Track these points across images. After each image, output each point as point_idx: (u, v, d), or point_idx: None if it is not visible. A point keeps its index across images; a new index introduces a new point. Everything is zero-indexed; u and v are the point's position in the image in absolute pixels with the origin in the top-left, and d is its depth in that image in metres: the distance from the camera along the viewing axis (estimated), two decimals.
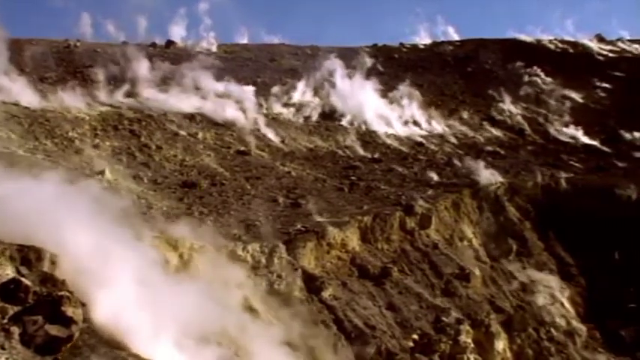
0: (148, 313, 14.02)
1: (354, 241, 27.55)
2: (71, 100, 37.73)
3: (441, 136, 48.16)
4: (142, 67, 46.41)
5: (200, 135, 38.60)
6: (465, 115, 53.49)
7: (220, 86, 46.12)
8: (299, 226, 26.68)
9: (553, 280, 31.54)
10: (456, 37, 75.80)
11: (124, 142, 34.76)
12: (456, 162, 40.34)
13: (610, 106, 56.12)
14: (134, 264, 14.92)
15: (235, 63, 55.31)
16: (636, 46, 74.53)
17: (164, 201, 27.19)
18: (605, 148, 46.96)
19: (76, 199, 15.93)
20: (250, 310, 20.95)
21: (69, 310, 11.80)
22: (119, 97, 40.95)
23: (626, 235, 33.10)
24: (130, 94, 41.61)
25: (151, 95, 42.35)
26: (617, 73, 64.17)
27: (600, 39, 76.42)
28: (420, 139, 46.55)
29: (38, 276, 12.77)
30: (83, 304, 12.66)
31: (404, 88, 54.12)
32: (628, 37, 77.00)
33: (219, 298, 18.61)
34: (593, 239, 33.46)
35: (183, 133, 38.17)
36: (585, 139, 48.85)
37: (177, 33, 63.48)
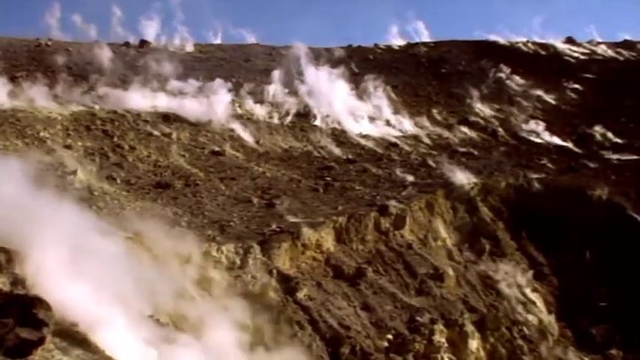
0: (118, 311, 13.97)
1: (328, 242, 27.57)
2: (42, 99, 37.30)
3: (415, 137, 48.35)
4: (115, 67, 46.06)
5: (174, 135, 38.36)
6: (439, 116, 53.78)
7: (194, 86, 45.87)
8: (274, 227, 26.64)
9: (525, 280, 31.81)
10: (426, 33, 76.38)
11: (97, 143, 34.46)
12: (430, 162, 40.54)
13: (581, 108, 56.81)
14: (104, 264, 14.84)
15: (210, 63, 55.13)
16: (606, 48, 75.63)
17: (138, 202, 26.98)
18: (576, 149, 47.52)
19: (49, 199, 15.76)
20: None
21: (40, 313, 11.64)
22: (91, 96, 40.54)
23: (597, 235, 33.50)
24: (102, 94, 41.20)
25: (124, 95, 41.97)
26: (588, 75, 65.06)
27: (571, 41, 77.43)
28: (394, 140, 46.68)
29: (9, 278, 12.59)
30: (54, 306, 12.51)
31: (378, 89, 54.30)
32: (598, 39, 78.12)
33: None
34: (565, 239, 33.84)
35: (156, 133, 37.92)
36: (557, 140, 49.36)
37: (150, 27, 62.90)
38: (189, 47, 62.30)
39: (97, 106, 39.31)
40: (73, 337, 12.72)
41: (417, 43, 74.94)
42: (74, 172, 27.75)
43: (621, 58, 72.49)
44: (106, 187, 28.27)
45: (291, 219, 28.01)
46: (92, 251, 14.92)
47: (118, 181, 29.89)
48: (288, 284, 24.06)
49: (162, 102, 42.82)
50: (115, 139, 35.38)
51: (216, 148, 38.15)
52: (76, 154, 31.71)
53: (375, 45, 73.06)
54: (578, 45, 76.26)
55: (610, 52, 74.33)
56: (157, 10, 65.87)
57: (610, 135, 50.21)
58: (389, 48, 73.13)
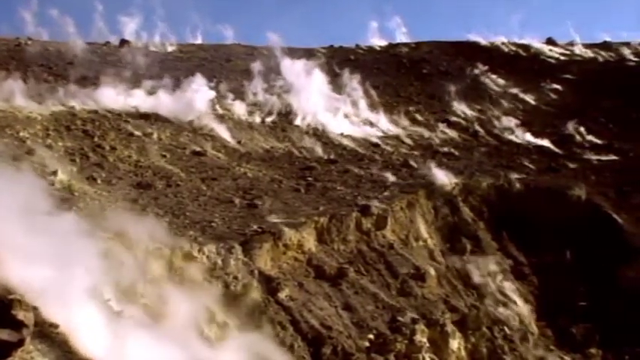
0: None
1: (310, 242, 27.55)
2: (22, 99, 36.95)
3: (397, 137, 48.51)
4: (96, 67, 45.78)
5: (155, 135, 38.17)
6: (420, 116, 54.01)
7: (175, 86, 45.67)
8: (255, 227, 26.57)
9: (506, 280, 32.03)
10: (404, 30, 76.78)
11: (77, 143, 34.17)
12: (412, 163, 40.70)
13: (561, 108, 57.29)
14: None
15: (191, 63, 54.94)
16: (585, 49, 76.36)
17: (118, 202, 26.79)
18: (556, 150, 47.90)
19: (29, 200, 15.63)
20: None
21: (19, 314, 11.54)
22: (72, 96, 40.22)
23: (577, 235, 33.81)
24: (83, 94, 40.88)
25: (105, 95, 41.70)
26: (568, 76, 65.65)
27: (551, 42, 78.13)
28: (375, 140, 46.80)
29: None
30: (35, 308, 12.42)
31: (360, 89, 54.42)
32: (577, 40, 78.90)
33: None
34: (546, 239, 34.11)
35: (137, 133, 37.70)
36: (537, 141, 49.73)
37: (130, 24, 62.53)
38: (170, 47, 62.13)
39: (77, 106, 39.02)
40: (52, 338, 12.61)
41: (398, 44, 75.28)
42: (54, 173, 27.49)
43: (600, 59, 73.21)
44: (87, 187, 28.02)
45: (273, 219, 27.94)
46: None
47: (99, 181, 29.65)
48: (269, 285, 24.01)
49: (143, 102, 42.60)
50: (96, 139, 35.12)
51: (198, 149, 38.01)
52: (57, 154, 31.40)
53: (357, 46, 73.30)
54: (558, 46, 76.97)
55: (589, 53, 75.04)
56: (137, 8, 65.50)
57: (590, 136, 50.71)
58: (370, 49, 73.39)
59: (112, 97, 41.78)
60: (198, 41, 69.55)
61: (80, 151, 33.11)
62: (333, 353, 22.34)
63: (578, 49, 75.99)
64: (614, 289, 31.71)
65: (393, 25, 77.90)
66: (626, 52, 74.96)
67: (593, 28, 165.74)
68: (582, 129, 51.44)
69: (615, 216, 34.95)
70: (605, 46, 77.56)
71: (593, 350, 29.45)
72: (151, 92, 43.99)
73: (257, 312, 22.45)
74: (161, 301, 19.51)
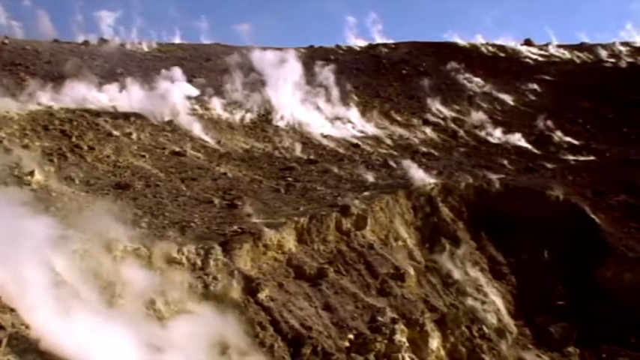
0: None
1: (290, 242, 27.53)
2: None
3: (377, 138, 48.64)
4: (74, 66, 45.43)
5: (134, 135, 37.97)
6: (400, 116, 54.21)
7: (155, 86, 45.46)
8: (235, 228, 26.50)
9: (485, 279, 32.21)
10: (379, 27, 77.45)
11: (55, 143, 33.91)
12: (391, 163, 40.82)
13: (539, 109, 57.76)
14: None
15: (170, 62, 54.68)
16: (563, 50, 77.15)
17: (97, 203, 26.58)
18: (534, 150, 48.30)
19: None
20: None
21: None
22: (50, 96, 39.91)
23: (555, 235, 34.08)
24: (60, 94, 40.57)
25: (83, 95, 41.43)
26: (546, 77, 66.25)
27: (529, 43, 78.89)
28: (355, 141, 46.89)
29: None
30: (12, 310, 12.33)
31: (340, 89, 54.51)
32: (555, 42, 79.77)
33: None
34: (524, 239, 34.32)
35: (116, 133, 37.49)
36: (516, 141, 50.10)
37: (108, 22, 62.13)
38: (149, 46, 61.82)
39: (55, 106, 38.75)
40: (29, 341, 12.51)
41: (377, 45, 75.62)
42: (31, 173, 27.26)
43: (578, 61, 73.99)
44: (65, 187, 27.80)
45: (253, 220, 27.91)
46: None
47: (77, 181, 29.44)
48: (249, 285, 23.94)
49: (122, 102, 42.39)
50: (74, 139, 34.86)
51: (177, 149, 37.85)
52: (34, 154, 31.12)
53: (337, 46, 73.50)
54: (537, 47, 77.74)
55: (567, 55, 75.84)
56: (116, 2, 65.30)
57: (567, 136, 51.19)
58: (350, 49, 73.63)
59: (90, 96, 41.53)
60: (177, 40, 69.43)
61: (58, 151, 32.85)
62: (313, 353, 22.32)
63: (556, 51, 76.82)
64: (591, 288, 32.00)
65: (369, 21, 78.36)
66: (603, 53, 75.85)
67: (568, 25, 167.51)
68: (553, 127, 52.03)
69: (592, 216, 35.24)
70: (583, 47, 78.47)
71: (570, 349, 29.68)
72: (130, 92, 43.74)
73: (237, 312, 22.35)
74: (139, 302, 19.41)
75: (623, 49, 78.01)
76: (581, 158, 45.94)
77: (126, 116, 40.26)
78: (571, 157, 46.27)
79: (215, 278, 23.13)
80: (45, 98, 39.40)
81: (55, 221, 19.58)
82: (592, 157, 46.14)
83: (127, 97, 43.07)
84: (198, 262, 23.46)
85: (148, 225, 25.38)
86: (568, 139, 50.83)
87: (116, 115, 40.07)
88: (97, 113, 39.35)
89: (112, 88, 43.73)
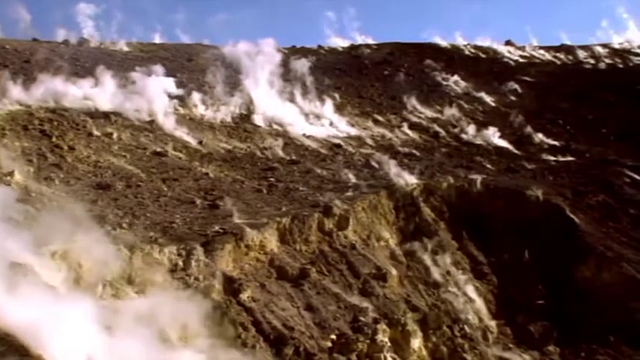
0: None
1: (272, 243, 27.50)
2: None
3: (359, 138, 48.72)
4: (54, 66, 45.05)
5: (115, 135, 37.73)
6: (382, 117, 54.36)
7: (136, 86, 45.19)
8: (217, 228, 26.43)
9: (466, 279, 32.34)
10: (357, 23, 78.05)
11: (35, 143, 33.63)
12: (373, 163, 40.87)
13: (520, 110, 58.17)
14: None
15: (152, 62, 54.38)
16: (544, 52, 77.82)
17: (77, 203, 26.39)
18: (515, 150, 48.62)
19: None
20: None
21: None
22: (29, 96, 39.54)
23: (535, 235, 34.31)
24: (40, 93, 40.21)
25: (63, 94, 41.09)
26: (527, 78, 66.77)
27: (510, 44, 79.52)
28: (337, 141, 46.93)
29: None
30: None
31: (322, 90, 54.54)
32: (535, 43, 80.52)
33: None
34: (505, 238, 34.53)
35: (97, 133, 37.24)
36: (496, 142, 50.40)
37: (86, 9, 61.68)
38: (131, 46, 61.48)
39: (35, 106, 38.40)
40: (10, 343, 12.41)
41: (359, 45, 75.89)
42: (11, 174, 26.99)
43: (558, 62, 74.67)
44: (44, 188, 27.55)
45: (235, 220, 27.83)
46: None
47: (57, 182, 29.19)
48: (231, 286, 23.89)
49: (103, 101, 42.09)
50: (54, 139, 34.59)
51: (158, 149, 37.67)
52: (13, 154, 30.81)
53: (319, 46, 73.68)
54: (517, 48, 78.36)
55: (547, 56, 76.52)
56: (98, 11, 64.82)
57: (547, 137, 51.59)
58: (332, 49, 73.80)
59: (70, 96, 41.18)
60: (157, 38, 69.27)
61: (38, 152, 32.59)
62: (295, 354, 22.32)
63: (536, 52, 77.48)
64: (571, 287, 32.23)
65: (347, 18, 78.83)
66: (583, 55, 76.64)
67: (546, 22, 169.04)
68: (534, 128, 52.48)
69: (572, 216, 35.52)
70: (562, 48, 79.22)
71: (550, 348, 29.89)
72: (110, 92, 43.45)
73: (219, 313, 22.28)
74: (120, 303, 19.30)
75: (602, 50, 78.90)
76: (561, 159, 46.31)
77: (106, 116, 40.00)
78: (551, 158, 46.63)
79: (197, 279, 23.06)
80: (25, 98, 39.02)
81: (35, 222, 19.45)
82: (572, 158, 46.53)
83: (107, 97, 42.77)
84: (180, 263, 23.38)
85: (129, 226, 25.25)
86: (548, 139, 51.24)
87: (97, 115, 39.78)
88: (77, 113, 39.04)
89: (92, 87, 43.39)
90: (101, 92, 43.07)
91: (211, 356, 19.36)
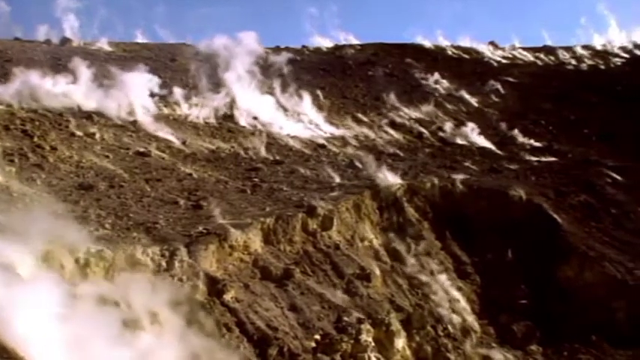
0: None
1: (256, 243, 27.44)
2: None
3: (343, 138, 48.76)
4: (36, 65, 44.71)
5: (97, 135, 37.49)
6: (366, 117, 54.46)
7: (119, 85, 44.92)
8: (200, 229, 26.32)
9: (450, 279, 32.43)
10: (337, 20, 78.57)
11: (16, 143, 33.33)
12: (357, 164, 40.91)
13: (503, 111, 58.54)
14: None
15: (135, 62, 54.10)
16: (526, 52, 78.37)
17: (59, 204, 26.20)
18: (498, 151, 48.90)
19: None
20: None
21: None
22: (11, 95, 39.20)
23: (518, 235, 34.49)
24: (22, 93, 39.87)
25: (45, 94, 40.78)
26: (510, 79, 67.20)
27: (494, 45, 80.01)
28: (321, 141, 46.94)
29: None
30: None
31: (306, 90, 54.54)
32: (517, 44, 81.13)
33: None
34: (488, 238, 34.68)
35: (79, 133, 36.99)
36: (480, 142, 50.67)
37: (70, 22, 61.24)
38: (114, 45, 61.18)
39: (16, 105, 38.09)
40: None
41: (343, 46, 76.08)
42: None
43: (540, 63, 75.24)
44: (26, 188, 27.31)
45: (219, 220, 27.71)
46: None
47: (38, 182, 28.96)
48: (215, 286, 23.80)
49: (85, 101, 41.83)
50: (36, 139, 34.30)
51: (141, 149, 37.47)
52: None
53: (303, 46, 73.75)
54: (501, 49, 78.89)
55: (530, 57, 77.08)
56: (79, 6, 64.31)
57: (530, 137, 51.95)
58: (317, 50, 73.87)
59: (52, 96, 40.87)
60: (139, 36, 69.04)
61: (19, 152, 32.31)
62: (279, 354, 22.29)
63: (519, 53, 78.03)
64: (553, 287, 32.43)
65: (328, 14, 79.08)
66: (566, 55, 77.25)
67: (528, 21, 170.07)
68: (517, 128, 52.88)
69: (555, 216, 35.74)
70: (545, 49, 79.84)
71: (533, 347, 30.04)
72: (93, 91, 43.19)
73: (202, 314, 22.21)
74: (103, 303, 19.16)
75: (584, 52, 79.61)
76: (544, 159, 46.63)
77: (89, 116, 39.76)
78: (534, 158, 46.95)
79: (180, 280, 22.96)
80: (6, 97, 38.69)
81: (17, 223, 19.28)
82: (554, 158, 46.88)
83: (90, 97, 42.51)
84: (163, 264, 23.26)
85: (111, 226, 25.09)
86: (531, 140, 51.59)
87: (79, 115, 39.54)
88: (60, 113, 38.78)
89: (75, 87, 43.12)
90: (83, 92, 42.79)
91: (184, 341, 19.27)
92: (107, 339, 15.73)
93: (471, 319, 31.03)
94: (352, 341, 24.23)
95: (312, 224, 30.36)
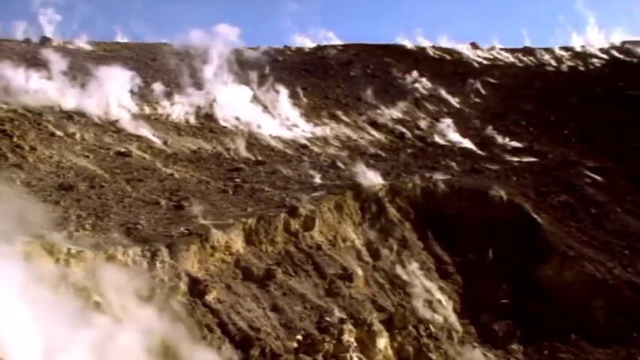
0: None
1: (238, 244, 27.37)
2: None
3: (325, 139, 48.79)
4: (15, 64, 44.27)
5: (78, 135, 37.22)
6: (348, 118, 54.51)
7: (99, 85, 44.59)
8: (182, 229, 26.22)
9: (432, 279, 32.54)
10: (318, 17, 78.99)
11: None
12: (339, 164, 40.97)
13: (484, 111, 58.86)
14: None
15: (115, 62, 53.75)
16: (507, 54, 78.85)
17: (39, 204, 25.97)
18: (479, 151, 49.14)
19: None
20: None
21: None
22: None
23: (499, 235, 34.69)
24: (1, 93, 39.48)
25: (24, 93, 40.41)
26: (491, 80, 67.57)
27: (475, 46, 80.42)
28: (303, 142, 46.95)
29: None
30: None
31: (288, 90, 54.51)
32: (498, 45, 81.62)
33: None
34: (469, 238, 34.85)
35: (59, 133, 36.69)
36: (461, 143, 50.90)
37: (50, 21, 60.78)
38: (94, 45, 60.77)
39: None
40: None
41: (326, 46, 76.11)
42: None
43: (521, 64, 75.72)
44: (5, 189, 27.06)
45: (200, 221, 27.62)
46: None
47: (18, 182, 28.70)
48: (196, 287, 23.73)
49: (66, 101, 41.52)
50: (15, 139, 33.96)
51: (122, 149, 37.24)
52: None
53: (285, 47, 73.71)
54: (482, 50, 79.29)
55: (511, 58, 77.54)
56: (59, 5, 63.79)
57: (511, 138, 52.27)
58: (299, 50, 73.83)
59: (31, 95, 40.52)
60: (118, 38, 68.67)
61: None
62: (261, 355, 22.25)
63: (500, 54, 78.50)
64: (533, 286, 32.66)
65: (309, 10, 79.25)
66: (546, 57, 77.80)
67: (508, 20, 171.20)
68: (498, 129, 53.21)
69: (535, 216, 36.00)
70: (526, 50, 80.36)
71: (514, 346, 30.20)
72: (74, 91, 42.87)
73: (184, 315, 22.11)
74: (84, 304, 19.04)
75: (564, 53, 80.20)
76: (524, 160, 46.91)
77: (69, 116, 39.46)
78: (514, 159, 47.22)
79: (162, 280, 22.85)
80: None
81: None
82: (535, 159, 47.17)
83: (71, 96, 42.20)
84: (145, 265, 23.13)
85: (92, 227, 24.92)
86: (512, 141, 51.92)
87: (59, 115, 39.23)
88: (40, 113, 38.44)
89: (55, 86, 42.79)
90: (63, 92, 42.46)
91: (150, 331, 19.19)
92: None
93: (452, 318, 31.14)
94: (334, 341, 24.22)
95: (294, 224, 30.34)
